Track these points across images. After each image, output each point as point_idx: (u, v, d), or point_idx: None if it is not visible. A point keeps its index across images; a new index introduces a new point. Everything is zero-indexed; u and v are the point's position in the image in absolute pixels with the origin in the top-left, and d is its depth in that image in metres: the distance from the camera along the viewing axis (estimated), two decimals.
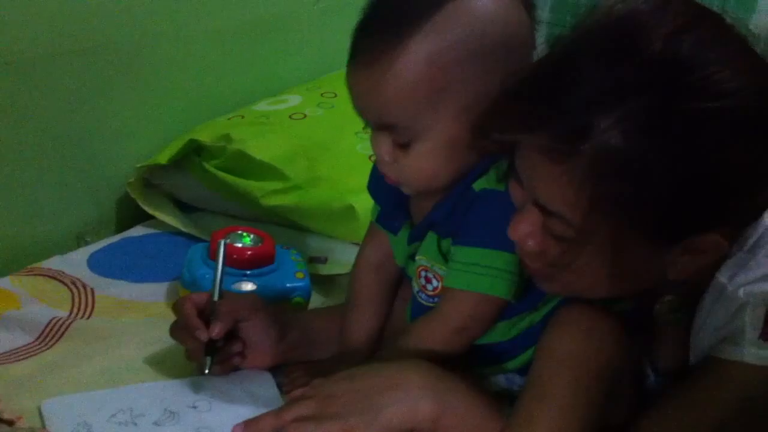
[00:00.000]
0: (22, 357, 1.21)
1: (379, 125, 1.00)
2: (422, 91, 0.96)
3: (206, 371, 1.12)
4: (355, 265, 1.23)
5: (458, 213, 1.04)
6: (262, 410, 1.07)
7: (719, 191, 0.85)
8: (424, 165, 1.00)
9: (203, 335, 1.12)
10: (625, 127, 0.82)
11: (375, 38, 0.96)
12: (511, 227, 0.94)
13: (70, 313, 1.33)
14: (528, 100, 0.89)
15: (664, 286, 0.97)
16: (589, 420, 0.96)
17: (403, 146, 0.99)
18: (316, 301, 1.38)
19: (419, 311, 1.12)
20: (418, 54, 0.95)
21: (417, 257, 1.10)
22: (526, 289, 1.05)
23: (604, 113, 0.83)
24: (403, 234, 1.12)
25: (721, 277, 0.92)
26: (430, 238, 1.08)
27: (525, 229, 0.93)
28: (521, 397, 0.99)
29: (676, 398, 0.96)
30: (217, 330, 1.12)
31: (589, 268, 0.90)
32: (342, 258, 1.48)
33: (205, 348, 1.13)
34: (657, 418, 0.95)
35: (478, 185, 1.02)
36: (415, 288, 1.12)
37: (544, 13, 1.86)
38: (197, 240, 1.52)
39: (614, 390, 0.98)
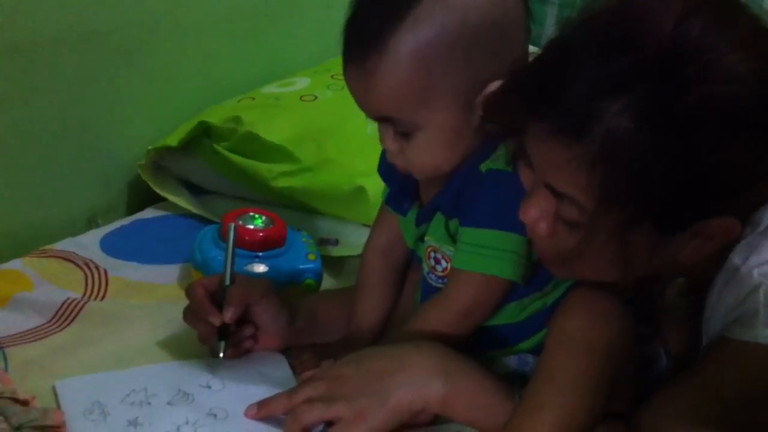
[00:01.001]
0: (35, 338, 1.21)
1: (378, 118, 1.01)
2: (411, 88, 0.96)
3: (220, 355, 1.13)
4: (365, 248, 1.24)
5: (465, 194, 1.04)
6: (276, 391, 1.09)
7: (728, 176, 0.85)
8: (427, 154, 1.02)
9: (216, 320, 1.12)
10: (634, 113, 0.82)
11: (360, 39, 0.97)
12: (522, 210, 0.94)
13: (84, 295, 1.33)
14: (537, 85, 0.89)
15: (674, 271, 0.97)
16: (597, 404, 0.97)
17: (405, 136, 1.01)
18: (327, 283, 1.39)
19: (429, 292, 1.13)
20: (401, 53, 0.95)
21: (426, 238, 1.11)
22: (535, 271, 1.05)
23: (613, 98, 0.82)
24: (412, 215, 1.12)
25: (735, 258, 0.91)
26: (438, 219, 1.08)
27: (536, 213, 0.93)
28: (532, 381, 0.99)
29: (685, 378, 0.96)
30: (229, 315, 1.12)
31: (600, 253, 0.90)
32: (353, 240, 1.48)
33: (218, 332, 1.13)
34: (666, 398, 0.95)
35: (485, 166, 1.03)
36: (425, 269, 1.13)
37: None
38: (208, 222, 1.53)
39: (619, 376, 0.98)
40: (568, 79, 0.85)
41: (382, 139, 1.03)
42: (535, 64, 0.92)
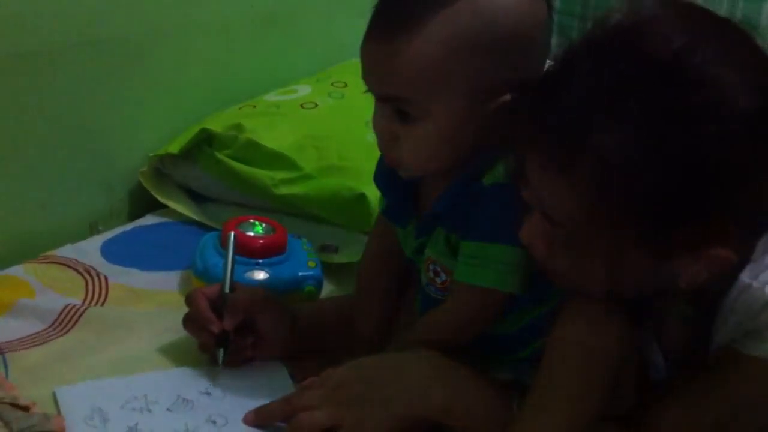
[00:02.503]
0: (36, 344, 1.21)
1: (383, 96, 1.01)
2: (431, 70, 0.97)
3: (219, 363, 1.13)
4: (363, 256, 1.24)
5: (464, 207, 1.04)
6: (275, 398, 1.08)
7: (719, 206, 0.85)
8: (422, 146, 1.01)
9: (215, 328, 1.12)
10: (626, 142, 0.82)
11: (396, 13, 0.97)
12: (521, 230, 0.95)
13: (84, 301, 1.34)
14: (529, 112, 0.89)
15: (674, 291, 0.97)
16: (596, 409, 0.97)
17: (403, 121, 1.00)
18: (327, 290, 1.39)
19: (428, 303, 1.12)
20: (434, 35, 0.96)
21: (425, 251, 1.10)
22: (535, 281, 1.05)
23: (606, 127, 0.82)
24: (411, 228, 1.12)
25: (745, 277, 0.91)
26: (438, 233, 1.08)
27: (532, 233, 0.93)
28: (532, 387, 0.99)
29: (692, 388, 0.96)
30: (229, 323, 1.12)
31: (595, 273, 0.91)
32: (353, 247, 1.48)
33: (217, 340, 1.13)
34: (672, 408, 0.95)
35: (488, 179, 1.03)
36: (424, 280, 1.13)
37: (554, 2, 1.85)
38: (208, 229, 1.53)
39: (618, 380, 0.98)
40: (558, 107, 0.86)
41: (377, 124, 1.02)
42: (527, 92, 0.92)
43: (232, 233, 1.19)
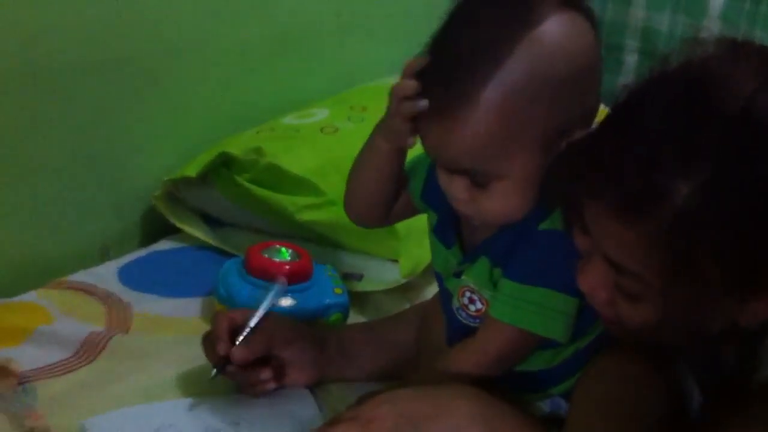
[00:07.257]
0: (60, 373, 1.18)
1: (453, 170, 0.98)
2: (498, 139, 0.94)
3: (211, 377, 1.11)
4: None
5: (517, 248, 1.02)
6: (303, 428, 1.07)
7: None
8: (502, 203, 0.98)
9: (221, 349, 1.11)
10: (706, 190, 0.79)
11: (447, 88, 0.93)
12: (580, 278, 0.92)
13: (107, 328, 1.30)
14: (594, 160, 0.85)
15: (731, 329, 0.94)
16: None
17: (479, 186, 0.98)
18: (352, 318, 1.36)
19: (458, 329, 1.10)
20: (492, 104, 0.92)
21: (464, 278, 1.08)
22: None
23: (682, 174, 0.79)
24: (456, 250, 1.09)
25: None
26: (482, 263, 1.05)
27: (594, 281, 0.90)
28: None
29: (745, 413, 0.93)
30: (239, 354, 1.11)
31: (661, 320, 0.87)
32: (377, 275, 1.46)
33: (215, 362, 1.12)
34: None
35: (543, 225, 1.00)
36: (455, 305, 1.10)
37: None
38: (225, 254, 1.50)
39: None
40: (626, 155, 0.82)
41: (450, 189, 0.99)
42: (590, 137, 0.89)
43: (282, 283, 1.21)
